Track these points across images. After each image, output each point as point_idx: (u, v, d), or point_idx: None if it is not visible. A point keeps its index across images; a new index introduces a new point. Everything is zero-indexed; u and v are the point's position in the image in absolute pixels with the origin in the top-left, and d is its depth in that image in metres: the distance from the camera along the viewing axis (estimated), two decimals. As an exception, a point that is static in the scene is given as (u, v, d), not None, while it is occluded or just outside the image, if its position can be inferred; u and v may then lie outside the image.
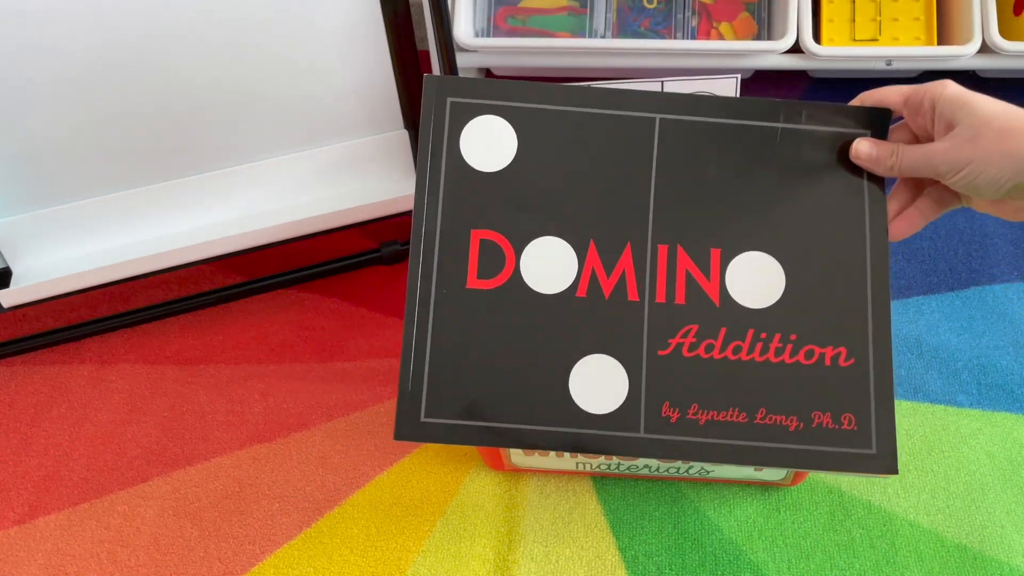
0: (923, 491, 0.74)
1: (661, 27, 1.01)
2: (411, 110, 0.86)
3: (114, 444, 0.83)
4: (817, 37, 0.96)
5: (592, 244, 0.51)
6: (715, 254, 0.51)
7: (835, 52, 0.94)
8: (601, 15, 1.02)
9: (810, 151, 0.51)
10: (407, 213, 0.91)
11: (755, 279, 0.51)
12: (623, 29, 1.01)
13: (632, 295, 0.51)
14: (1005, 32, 0.92)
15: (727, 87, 0.77)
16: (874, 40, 0.96)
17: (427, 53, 0.88)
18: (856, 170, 0.51)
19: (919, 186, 0.50)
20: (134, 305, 0.93)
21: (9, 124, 0.76)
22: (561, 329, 0.50)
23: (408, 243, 0.95)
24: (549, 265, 0.51)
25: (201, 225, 0.87)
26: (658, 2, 1.01)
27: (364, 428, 0.82)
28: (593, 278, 0.51)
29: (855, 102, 0.52)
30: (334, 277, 0.95)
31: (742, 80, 0.77)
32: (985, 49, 0.93)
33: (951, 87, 0.47)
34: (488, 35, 1.02)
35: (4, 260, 0.84)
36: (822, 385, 0.50)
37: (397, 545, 0.74)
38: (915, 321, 0.86)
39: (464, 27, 0.99)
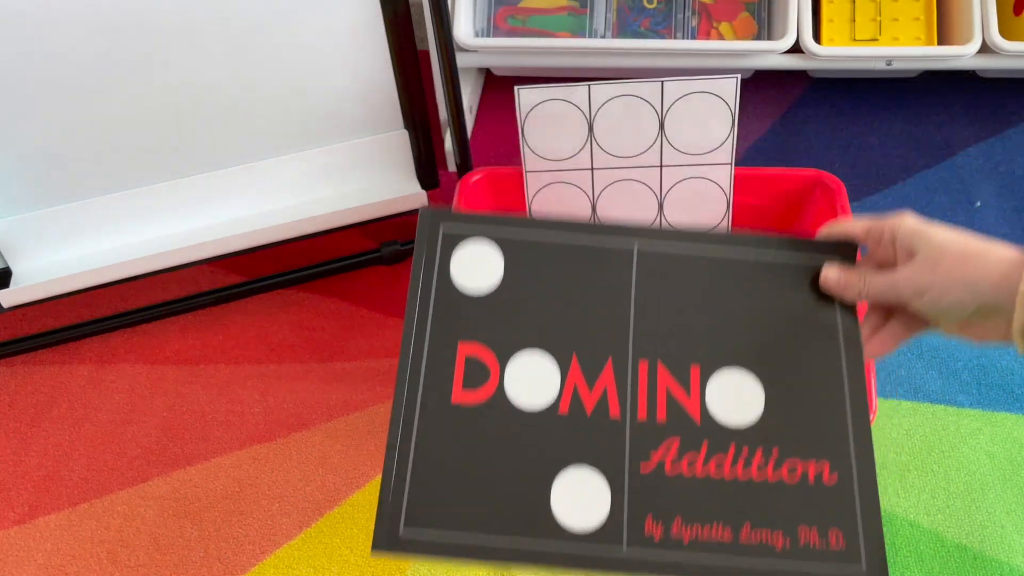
0: (923, 491, 0.74)
1: (661, 27, 1.01)
2: (411, 110, 0.86)
3: (114, 444, 0.83)
4: (817, 37, 0.96)
5: (575, 358, 0.52)
6: (695, 370, 0.52)
7: (835, 52, 0.94)
8: (601, 15, 1.02)
9: (784, 279, 0.54)
10: (407, 213, 0.91)
11: (735, 395, 0.51)
12: (623, 29, 1.01)
13: (614, 412, 0.52)
14: (1005, 32, 0.92)
15: (727, 87, 0.77)
16: (874, 40, 0.96)
17: (427, 53, 0.88)
18: (829, 296, 0.53)
19: (889, 310, 0.52)
20: (134, 305, 0.93)
21: (10, 125, 0.76)
22: (543, 444, 0.51)
23: (408, 243, 0.95)
24: (532, 379, 0.52)
25: (201, 225, 0.87)
26: (658, 2, 1.01)
27: (364, 428, 0.82)
28: (575, 393, 0.52)
29: (822, 233, 0.54)
30: (334, 277, 0.95)
31: (742, 80, 0.77)
32: (985, 49, 0.93)
33: (909, 219, 0.49)
34: (488, 35, 1.02)
35: (4, 260, 0.84)
36: (807, 500, 0.51)
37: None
38: (915, 321, 0.86)
39: (464, 27, 0.99)
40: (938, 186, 0.98)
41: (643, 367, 0.52)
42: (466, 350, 0.52)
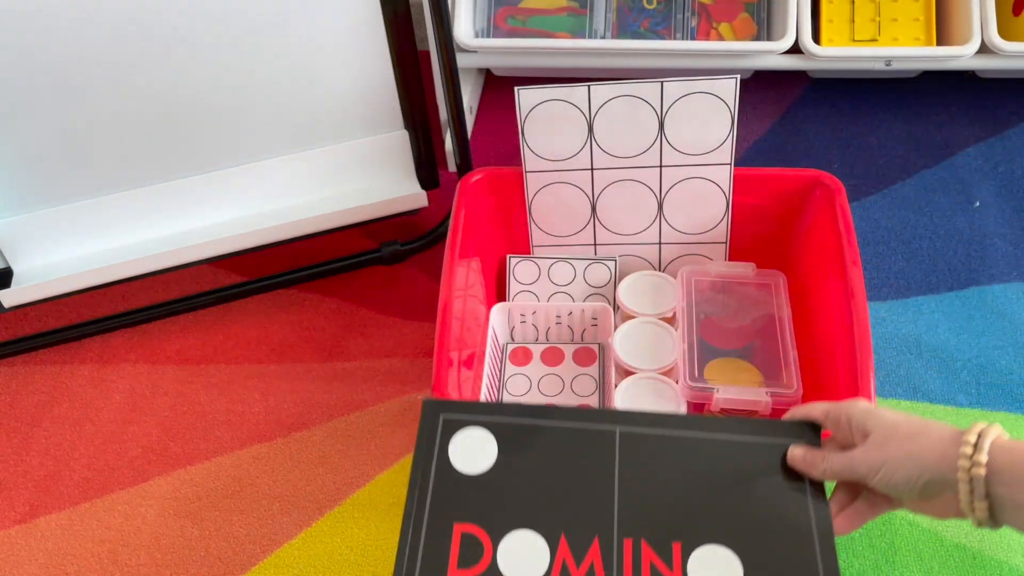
0: (922, 491, 0.74)
1: (661, 27, 1.01)
2: (411, 110, 0.87)
3: (114, 444, 0.83)
4: (817, 37, 0.96)
5: (563, 537, 0.57)
6: (676, 547, 0.56)
7: (835, 52, 0.95)
8: (601, 15, 1.02)
9: (756, 458, 0.58)
10: (407, 213, 0.91)
11: (715, 570, 0.55)
12: (623, 29, 1.01)
13: None
14: (1004, 32, 0.92)
15: (726, 88, 0.77)
16: (873, 40, 0.96)
17: (427, 53, 0.88)
18: (798, 473, 0.57)
19: (855, 489, 0.56)
20: (134, 305, 0.93)
21: (10, 125, 0.76)
22: None
23: (408, 243, 0.95)
24: (523, 557, 0.56)
25: (201, 225, 0.88)
26: (658, 2, 1.01)
27: (364, 428, 0.82)
28: (564, 569, 0.56)
29: (787, 415, 0.59)
30: (334, 277, 0.95)
31: (742, 80, 0.77)
32: (984, 49, 0.93)
33: (861, 403, 0.54)
34: (488, 35, 1.02)
35: (5, 260, 0.84)
36: None
37: (397, 545, 0.74)
38: (915, 321, 0.86)
39: (464, 27, 0.99)
40: (938, 186, 0.98)
41: (628, 545, 0.56)
42: (461, 529, 0.57)
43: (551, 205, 0.83)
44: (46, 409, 0.86)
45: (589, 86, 0.77)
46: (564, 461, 0.59)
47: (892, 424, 0.51)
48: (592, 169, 0.81)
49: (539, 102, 0.78)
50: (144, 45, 0.75)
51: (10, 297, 0.83)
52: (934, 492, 0.49)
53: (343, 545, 0.74)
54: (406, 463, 0.79)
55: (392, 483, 0.78)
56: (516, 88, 0.77)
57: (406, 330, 0.89)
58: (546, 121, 0.79)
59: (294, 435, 0.82)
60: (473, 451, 0.59)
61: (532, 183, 0.82)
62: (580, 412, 0.62)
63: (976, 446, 0.46)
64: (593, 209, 0.84)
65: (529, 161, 0.80)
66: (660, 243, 0.85)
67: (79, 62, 0.74)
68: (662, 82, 0.78)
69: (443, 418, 0.61)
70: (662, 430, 0.61)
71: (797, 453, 0.57)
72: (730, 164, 0.79)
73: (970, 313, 0.86)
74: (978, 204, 0.96)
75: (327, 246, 0.96)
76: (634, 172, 0.81)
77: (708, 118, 0.78)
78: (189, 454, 0.81)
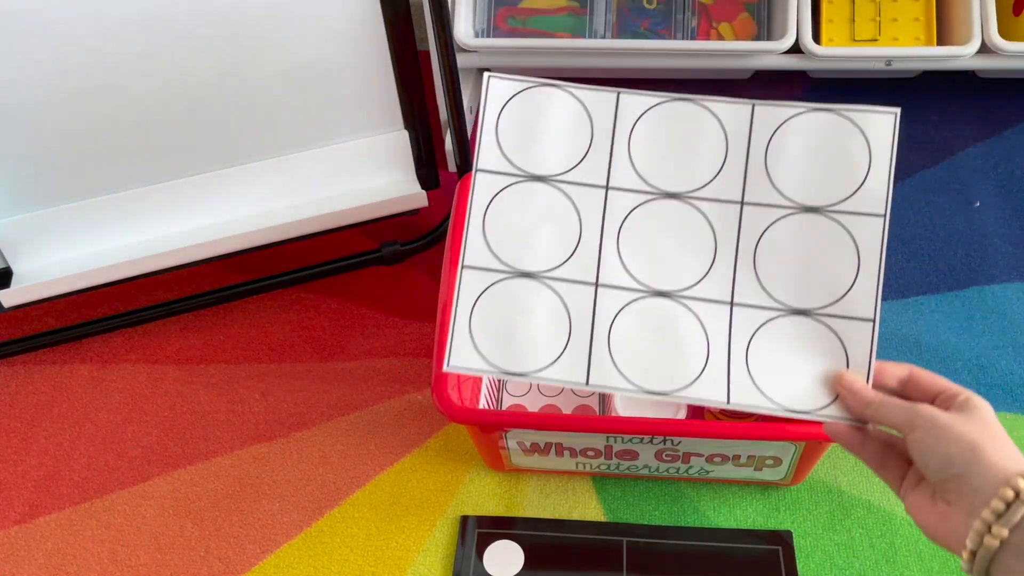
0: (923, 491, 0.74)
1: (661, 27, 1.01)
2: (411, 110, 0.86)
3: (114, 444, 0.83)
4: (817, 37, 0.96)
5: None
6: None
7: (835, 52, 0.95)
8: (601, 15, 1.02)
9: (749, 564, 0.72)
10: (407, 213, 0.91)
11: None
12: (623, 30, 1.01)
13: None
14: (1004, 32, 0.92)
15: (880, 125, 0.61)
16: (874, 40, 0.96)
17: (427, 53, 0.88)
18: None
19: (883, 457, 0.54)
20: (134, 305, 0.93)
21: (10, 125, 0.76)
22: None
23: (408, 243, 0.95)
24: None
25: (201, 225, 0.87)
26: (658, 2, 1.01)
27: (364, 428, 0.82)
28: None
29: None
30: (334, 277, 0.95)
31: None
32: (984, 49, 0.93)
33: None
34: (488, 35, 1.02)
35: (4, 260, 0.84)
36: None
37: (397, 545, 0.74)
38: (915, 321, 0.86)
39: (464, 27, 0.99)
40: (937, 186, 0.98)
41: None
42: None
43: (501, 216, 0.62)
44: (46, 409, 0.86)
45: (619, 93, 0.61)
46: (579, 569, 0.72)
47: (987, 418, 0.48)
48: (607, 188, 0.62)
49: (513, 95, 0.61)
50: (144, 45, 0.74)
51: (10, 297, 0.83)
52: (956, 488, 0.47)
53: (343, 545, 0.74)
54: (406, 463, 0.79)
55: (392, 483, 0.78)
56: (486, 75, 0.61)
57: (406, 330, 0.89)
58: (530, 116, 0.62)
59: (294, 435, 0.82)
60: (504, 560, 0.73)
61: (482, 186, 0.61)
62: (594, 525, 0.74)
63: (1008, 510, 0.43)
64: (600, 244, 0.62)
65: (485, 153, 0.61)
66: (733, 303, 0.60)
67: (79, 62, 0.74)
68: (754, 104, 0.61)
69: (478, 532, 0.74)
70: (663, 541, 0.73)
71: (849, 379, 0.55)
72: (884, 216, 0.59)
73: (970, 313, 0.86)
74: (978, 204, 0.96)
75: (327, 246, 0.95)
76: (678, 202, 0.61)
77: (843, 154, 0.60)
78: (189, 454, 0.81)
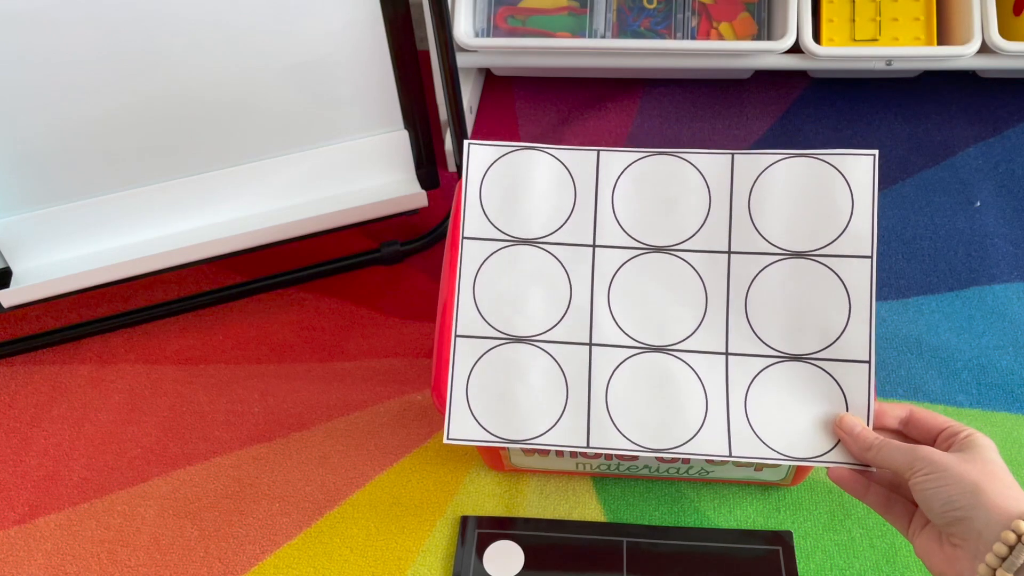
0: (923, 491, 0.74)
1: (661, 27, 1.01)
2: (411, 110, 0.86)
3: (114, 444, 0.83)
4: (817, 37, 0.96)
5: None
6: None
7: (835, 52, 0.94)
8: (601, 15, 1.02)
9: (750, 564, 0.71)
10: (407, 213, 0.91)
11: None
12: (623, 29, 1.01)
13: None
14: (1005, 32, 0.92)
15: (859, 166, 0.60)
16: (874, 40, 0.96)
17: (427, 53, 0.88)
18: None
19: (891, 485, 0.55)
20: (134, 305, 0.93)
21: (9, 124, 0.76)
22: None
23: (408, 243, 0.95)
24: None
25: (201, 225, 0.87)
26: (658, 2, 1.01)
27: (364, 428, 0.82)
28: None
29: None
30: (334, 277, 0.95)
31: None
32: (985, 49, 0.93)
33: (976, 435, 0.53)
34: (488, 35, 1.02)
35: (4, 260, 0.84)
36: None
37: (397, 545, 0.74)
38: (915, 321, 0.86)
39: (464, 27, 0.99)
40: (938, 186, 0.98)
41: None
42: None
43: (488, 282, 0.63)
44: (45, 409, 0.86)
45: (599, 151, 0.62)
46: (578, 570, 0.70)
47: (989, 457, 0.48)
48: (594, 246, 0.62)
49: (495, 159, 0.61)
50: (144, 45, 0.74)
51: (9, 297, 0.83)
52: (961, 533, 0.46)
53: (343, 545, 0.74)
54: (406, 463, 0.79)
55: (392, 483, 0.78)
56: (467, 143, 0.63)
57: (406, 330, 0.89)
58: (512, 179, 0.63)
59: (294, 435, 0.82)
60: (504, 560, 0.71)
61: (470, 253, 0.62)
62: (592, 525, 0.73)
63: (1011, 553, 0.43)
64: (591, 293, 0.62)
65: (471, 223, 0.61)
66: (728, 353, 0.61)
67: (79, 62, 0.73)
68: (733, 154, 0.61)
69: (478, 532, 0.73)
70: (663, 541, 0.71)
71: (849, 423, 0.55)
72: (871, 258, 0.59)
73: (970, 313, 0.86)
74: (978, 204, 0.95)
75: (327, 246, 0.95)
76: (664, 255, 0.62)
77: (825, 198, 0.60)
78: (188, 454, 0.81)
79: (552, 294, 0.62)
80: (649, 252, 0.62)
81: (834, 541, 0.72)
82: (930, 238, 0.93)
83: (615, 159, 0.62)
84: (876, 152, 0.60)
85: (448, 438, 0.60)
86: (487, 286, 0.62)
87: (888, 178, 0.99)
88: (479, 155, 0.63)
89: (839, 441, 0.58)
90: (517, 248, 0.63)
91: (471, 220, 0.63)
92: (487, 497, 0.76)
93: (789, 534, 0.72)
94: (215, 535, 0.75)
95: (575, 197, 0.63)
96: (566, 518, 0.74)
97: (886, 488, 0.55)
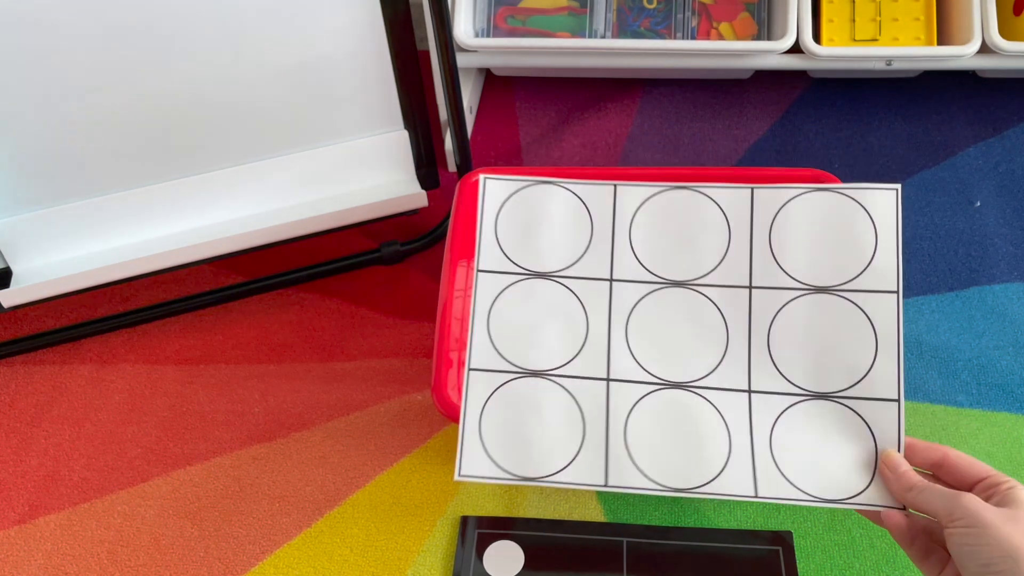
0: (923, 491, 0.74)
1: (661, 27, 1.01)
2: (411, 110, 0.86)
3: (114, 444, 0.83)
4: (817, 37, 0.96)
5: None
6: None
7: (835, 52, 0.95)
8: (601, 15, 1.02)
9: (750, 565, 0.69)
10: (407, 213, 0.91)
11: None
12: (623, 29, 1.01)
13: None
14: (1005, 32, 0.92)
15: (882, 201, 0.61)
16: (874, 40, 0.96)
17: (427, 53, 0.88)
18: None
19: (926, 532, 0.53)
20: (134, 305, 0.93)
21: (9, 124, 0.76)
22: None
23: (408, 243, 0.95)
24: None
25: (201, 225, 0.87)
26: (658, 2, 1.01)
27: (364, 428, 0.82)
28: None
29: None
30: (334, 277, 0.95)
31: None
32: (985, 49, 0.93)
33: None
34: (488, 35, 1.02)
35: (4, 260, 0.84)
36: None
37: (397, 545, 0.74)
38: (915, 321, 0.86)
39: (464, 27, 0.99)
40: (938, 186, 0.98)
41: None
42: None
43: (505, 314, 0.62)
44: (45, 409, 0.86)
45: (616, 185, 0.61)
46: (579, 570, 0.69)
47: None
48: (612, 280, 0.61)
49: (511, 194, 0.61)
50: (143, 45, 0.74)
51: (9, 297, 0.83)
52: None
53: (343, 545, 0.74)
54: (406, 463, 0.79)
55: (392, 483, 0.78)
56: (482, 177, 0.62)
57: (406, 330, 0.89)
58: (528, 213, 0.62)
59: (294, 435, 0.82)
60: (504, 559, 0.69)
61: (485, 286, 0.61)
62: (593, 526, 0.72)
63: None
64: (609, 328, 0.61)
65: (486, 254, 0.61)
66: (751, 390, 0.59)
67: (79, 62, 0.73)
68: (753, 188, 0.60)
69: (478, 532, 0.72)
70: (663, 541, 0.70)
71: (895, 460, 0.53)
72: (897, 293, 0.59)
73: (970, 313, 0.86)
74: (978, 204, 0.95)
75: (327, 246, 0.95)
76: (681, 290, 0.61)
77: (848, 233, 0.61)
78: (189, 454, 0.81)
79: (569, 328, 0.61)
80: (668, 287, 0.61)
81: (834, 541, 0.72)
82: (930, 238, 0.93)
83: (632, 193, 0.61)
84: (899, 186, 0.59)
85: (459, 475, 0.58)
86: (502, 319, 0.61)
87: (888, 178, 0.99)
88: (495, 190, 0.62)
89: (871, 482, 0.55)
90: (533, 282, 0.61)
91: (486, 253, 0.62)
92: (487, 497, 0.76)
93: (789, 534, 0.72)
94: (215, 535, 0.75)
95: (592, 231, 0.62)
96: (566, 518, 0.74)
97: (926, 535, 0.53)
